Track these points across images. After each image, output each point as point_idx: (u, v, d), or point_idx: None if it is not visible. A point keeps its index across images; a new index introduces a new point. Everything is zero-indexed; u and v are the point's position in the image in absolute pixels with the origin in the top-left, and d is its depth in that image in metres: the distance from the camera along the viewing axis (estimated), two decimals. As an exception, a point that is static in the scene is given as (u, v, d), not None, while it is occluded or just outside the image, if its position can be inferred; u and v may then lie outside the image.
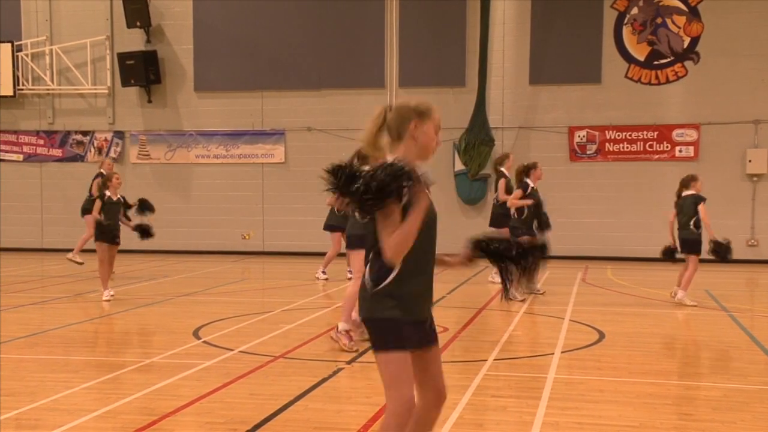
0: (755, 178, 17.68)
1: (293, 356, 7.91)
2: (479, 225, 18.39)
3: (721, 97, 17.72)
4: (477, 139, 18.37)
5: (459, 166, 18.55)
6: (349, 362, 7.39)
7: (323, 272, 14.45)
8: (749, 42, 17.62)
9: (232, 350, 8.11)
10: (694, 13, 17.82)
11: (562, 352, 8.07)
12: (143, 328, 10.14)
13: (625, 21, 18.10)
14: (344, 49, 19.24)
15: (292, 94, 19.46)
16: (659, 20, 17.96)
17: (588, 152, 18.03)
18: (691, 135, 17.89)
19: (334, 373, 7.12)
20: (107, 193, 11.85)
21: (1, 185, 20.12)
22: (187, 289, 13.07)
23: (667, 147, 18.01)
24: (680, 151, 17.93)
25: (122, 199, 12.19)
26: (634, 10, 18.05)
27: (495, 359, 7.88)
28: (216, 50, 19.75)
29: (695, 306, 11.02)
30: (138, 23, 19.63)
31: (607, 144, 18.23)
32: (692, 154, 17.86)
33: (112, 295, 11.91)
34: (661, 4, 17.95)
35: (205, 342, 8.63)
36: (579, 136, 18.18)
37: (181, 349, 8.28)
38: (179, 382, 6.83)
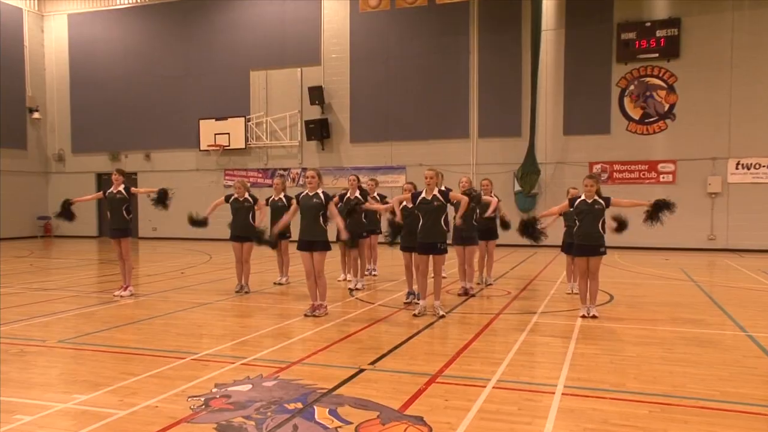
0: (713, 195, 17.38)
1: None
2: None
3: (690, 142, 17.45)
4: (529, 170, 18.42)
5: (517, 187, 18.68)
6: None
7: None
8: (708, 107, 17.30)
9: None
10: (671, 89, 17.64)
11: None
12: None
13: (626, 94, 18.02)
14: (442, 113, 19.58)
15: (410, 142, 19.72)
16: (648, 93, 17.82)
17: (602, 178, 17.94)
18: (670, 167, 17.67)
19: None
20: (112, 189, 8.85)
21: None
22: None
23: (654, 175, 17.82)
24: (663, 177, 17.73)
25: (123, 194, 8.81)
26: (631, 87, 17.98)
27: (541, 312, 7.70)
28: (363, 117, 20.20)
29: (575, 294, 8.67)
30: (317, 102, 20.21)
31: (614, 173, 18.17)
32: (671, 180, 17.66)
33: (120, 295, 8.71)
34: (649, 83, 17.82)
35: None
36: (596, 168, 18.15)
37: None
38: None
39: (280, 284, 10.15)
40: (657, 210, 7.25)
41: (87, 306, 8.26)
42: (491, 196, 9.34)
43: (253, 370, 5.07)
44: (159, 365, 5.21)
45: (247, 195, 9.27)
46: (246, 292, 9.23)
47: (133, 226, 9.25)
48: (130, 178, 22.24)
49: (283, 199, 9.97)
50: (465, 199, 7.50)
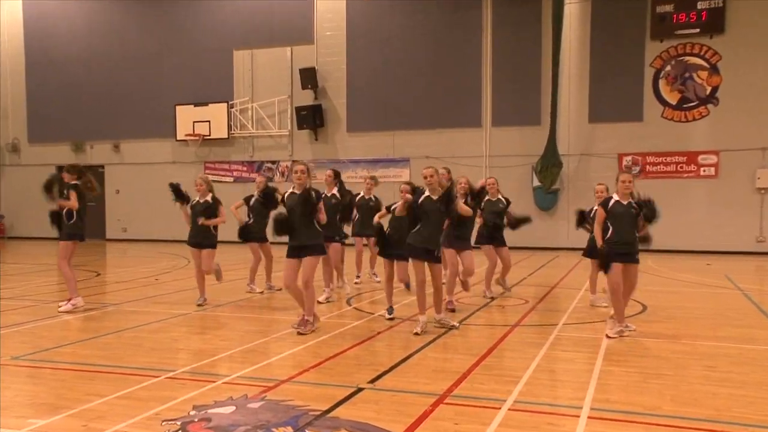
0: (763, 191, 17.36)
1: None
2: (551, 225, 18.82)
3: (736, 130, 17.46)
4: (549, 163, 18.54)
5: (536, 182, 18.75)
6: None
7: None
8: (757, 89, 17.31)
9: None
10: (714, 69, 17.65)
11: (615, 319, 7.46)
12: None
13: (661, 75, 18.07)
14: (451, 98, 19.69)
15: (414, 132, 19.84)
16: (687, 74, 17.86)
17: (633, 172, 17.87)
18: (712, 159, 17.69)
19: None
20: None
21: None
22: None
23: (693, 168, 17.85)
24: (704, 171, 17.75)
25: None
26: (668, 68, 18.00)
27: (564, 324, 7.70)
28: (362, 103, 20.32)
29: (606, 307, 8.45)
30: (309, 86, 20.38)
31: (648, 166, 18.18)
32: (713, 174, 17.68)
33: (72, 306, 8.57)
34: (688, 62, 17.84)
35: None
36: (626, 161, 18.21)
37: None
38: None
39: (270, 289, 10.26)
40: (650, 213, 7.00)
41: (46, 318, 8.23)
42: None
43: (237, 389, 5.06)
44: (129, 385, 5.20)
45: (209, 197, 9.00)
46: (200, 305, 8.92)
47: (85, 229, 8.88)
48: (96, 173, 22.32)
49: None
50: (467, 213, 7.62)
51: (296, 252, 7.15)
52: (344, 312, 8.65)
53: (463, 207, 7.49)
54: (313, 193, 7.16)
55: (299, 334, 7.05)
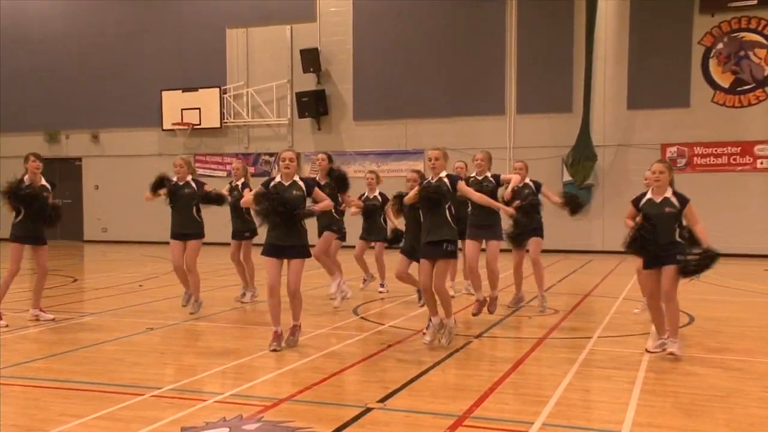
0: (831, 184, 17.25)
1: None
2: (583, 226, 18.72)
3: (798, 117, 17.34)
4: (582, 155, 18.44)
5: (567, 177, 18.64)
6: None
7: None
8: (821, 71, 17.19)
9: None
10: (773, 47, 17.57)
11: (657, 332, 7.29)
12: None
13: (711, 54, 17.95)
14: (471, 82, 19.66)
15: (429, 120, 19.80)
16: (742, 53, 17.74)
17: (678, 165, 17.64)
18: (771, 150, 17.62)
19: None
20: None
21: (210, 195, 21.34)
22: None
23: (749, 160, 17.71)
24: (761, 163, 17.62)
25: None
26: (720, 45, 17.88)
27: (599, 337, 7.69)
28: (370, 88, 20.30)
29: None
30: (311, 69, 20.39)
31: (695, 158, 18.07)
32: (772, 166, 17.61)
33: (40, 318, 8.54)
34: (744, 39, 17.72)
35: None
36: (670, 152, 18.05)
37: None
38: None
39: (243, 303, 9.97)
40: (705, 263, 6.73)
41: (16, 329, 8.22)
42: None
43: (231, 408, 5.07)
44: (109, 404, 5.20)
45: (189, 179, 8.87)
46: (191, 312, 8.83)
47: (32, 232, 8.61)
48: (73, 166, 22.47)
49: (240, 187, 9.82)
50: (477, 197, 7.24)
51: (278, 251, 6.93)
52: (350, 323, 8.61)
53: (465, 189, 7.14)
54: (303, 185, 6.96)
55: (289, 346, 6.98)
